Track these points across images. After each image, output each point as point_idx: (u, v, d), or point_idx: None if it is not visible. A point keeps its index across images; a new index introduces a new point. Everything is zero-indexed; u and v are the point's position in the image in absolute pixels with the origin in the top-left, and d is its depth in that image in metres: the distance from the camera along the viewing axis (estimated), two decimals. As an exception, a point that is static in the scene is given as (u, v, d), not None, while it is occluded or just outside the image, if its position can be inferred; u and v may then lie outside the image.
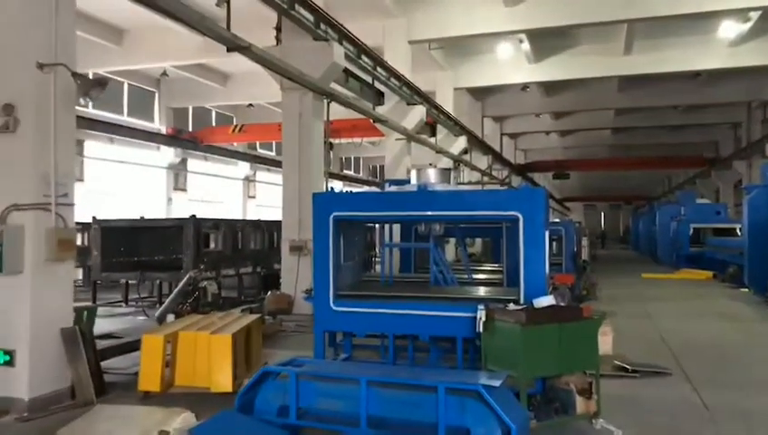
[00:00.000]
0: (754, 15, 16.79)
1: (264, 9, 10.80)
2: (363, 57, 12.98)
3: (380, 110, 15.26)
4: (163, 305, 10.34)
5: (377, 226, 9.71)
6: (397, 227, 9.18)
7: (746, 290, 15.13)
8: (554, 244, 14.59)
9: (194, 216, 11.87)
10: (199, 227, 11.82)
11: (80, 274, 16.71)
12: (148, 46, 18.04)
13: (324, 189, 11.20)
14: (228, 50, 8.72)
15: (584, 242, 20.48)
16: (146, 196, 23.48)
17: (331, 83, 12.02)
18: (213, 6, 8.65)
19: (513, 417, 4.17)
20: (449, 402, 4.29)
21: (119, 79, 22.26)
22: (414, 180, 6.67)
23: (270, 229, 14.82)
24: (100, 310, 12.45)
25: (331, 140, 22.83)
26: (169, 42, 17.49)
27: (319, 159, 11.64)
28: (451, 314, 5.89)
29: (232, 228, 13.37)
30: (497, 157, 27.62)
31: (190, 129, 26.14)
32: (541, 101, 26.61)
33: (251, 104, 26.76)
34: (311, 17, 10.59)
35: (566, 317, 5.27)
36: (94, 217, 12.47)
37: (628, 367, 7.23)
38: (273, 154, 31.06)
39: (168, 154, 24.15)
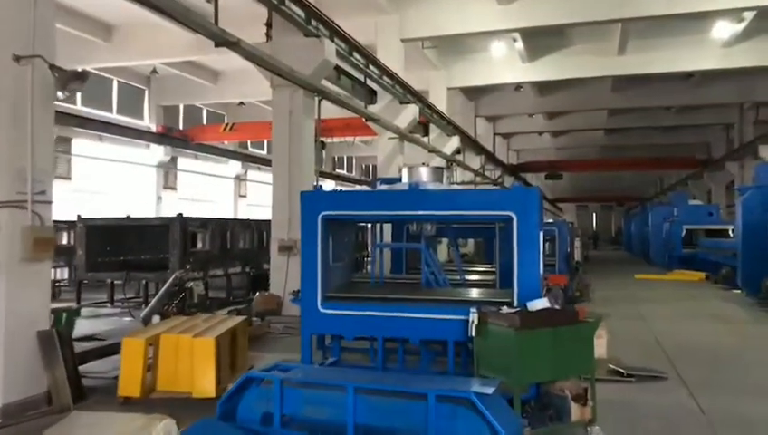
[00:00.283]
0: (748, 16, 16.70)
1: (257, 7, 10.64)
2: (355, 54, 12.79)
3: (373, 108, 15.07)
4: (148, 306, 10.12)
5: (369, 225, 9.51)
6: (388, 227, 9.00)
7: (739, 291, 15.06)
8: (547, 244, 14.46)
9: (180, 214, 11.65)
10: (186, 226, 11.58)
11: (66, 273, 16.50)
12: (138, 43, 17.79)
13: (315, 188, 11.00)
14: (216, 45, 8.51)
15: (577, 243, 20.38)
16: (135, 194, 23.21)
17: (323, 81, 11.84)
18: (205, 4, 8.48)
19: (506, 425, 3.98)
20: (440, 410, 4.09)
21: (108, 76, 21.99)
22: (405, 179, 6.48)
23: (260, 229, 14.60)
24: (85, 311, 12.26)
25: (324, 138, 22.69)
26: (159, 38, 17.25)
27: (309, 158, 11.45)
28: (442, 316, 5.71)
29: (220, 227, 13.14)
30: (490, 157, 27.49)
31: (181, 127, 25.86)
32: (534, 101, 26.49)
33: (242, 102, 26.52)
34: (301, 13, 10.40)
35: (561, 321, 5.11)
36: (79, 216, 12.21)
37: (623, 371, 7.07)
38: (264, 153, 30.81)
39: (158, 152, 23.87)
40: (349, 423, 4.26)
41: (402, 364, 6.79)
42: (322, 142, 22.86)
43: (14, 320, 5.58)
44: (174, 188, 25.47)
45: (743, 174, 26.40)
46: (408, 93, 15.70)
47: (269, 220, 12.10)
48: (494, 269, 7.93)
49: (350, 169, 40.93)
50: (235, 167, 29.14)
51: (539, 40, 19.33)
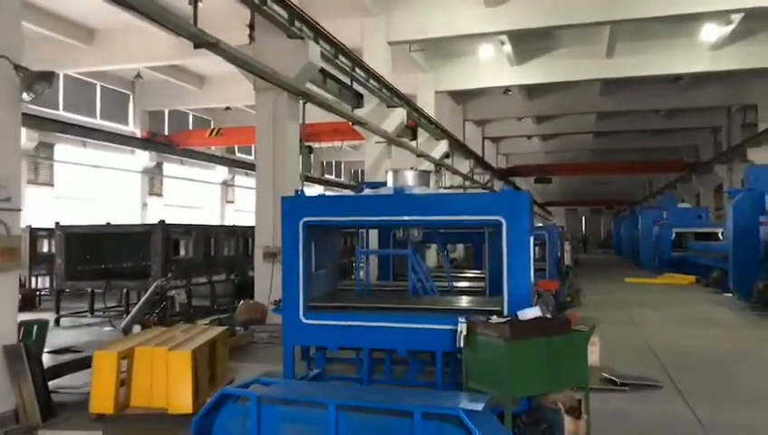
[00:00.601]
0: (736, 18, 16.68)
1: (243, 10, 10.42)
2: (341, 57, 12.56)
3: (359, 112, 14.85)
4: (129, 316, 9.80)
5: (360, 231, 9.26)
6: (375, 233, 8.76)
7: (730, 295, 14.94)
8: (537, 249, 14.28)
9: (162, 221, 11.33)
10: (168, 233, 11.27)
11: (47, 282, 16.11)
12: (120, 47, 17.50)
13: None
14: (196, 46, 8.26)
15: (567, 247, 20.23)
16: (121, 201, 22.83)
17: (309, 84, 11.60)
18: (190, 7, 8.23)
19: (497, 443, 3.76)
20: (426, 428, 3.86)
21: (91, 81, 21.64)
22: (390, 183, 6.24)
23: (245, 235, 14.29)
24: (65, 321, 11.94)
25: (311, 143, 22.51)
26: (142, 42, 16.98)
27: (294, 162, 11.18)
28: (429, 326, 5.47)
29: (204, 234, 12.83)
30: (479, 161, 27.35)
31: (166, 132, 25.51)
32: (522, 104, 26.41)
33: (228, 107, 26.20)
34: (284, 14, 10.16)
35: (553, 330, 4.88)
36: (57, 223, 11.87)
37: (616, 380, 6.85)
38: (251, 158, 30.44)
39: (143, 158, 23.54)
40: (329, 443, 4.02)
41: (389, 375, 6.54)
42: (309, 147, 22.67)
43: (-23, 334, 5.28)
44: (159, 195, 25.12)
45: (731, 177, 26.41)
46: (395, 97, 15.49)
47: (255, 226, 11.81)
48: (484, 275, 7.71)
49: (338, 175, 40.66)
50: (222, 172, 28.82)
51: (527, 43, 19.23)
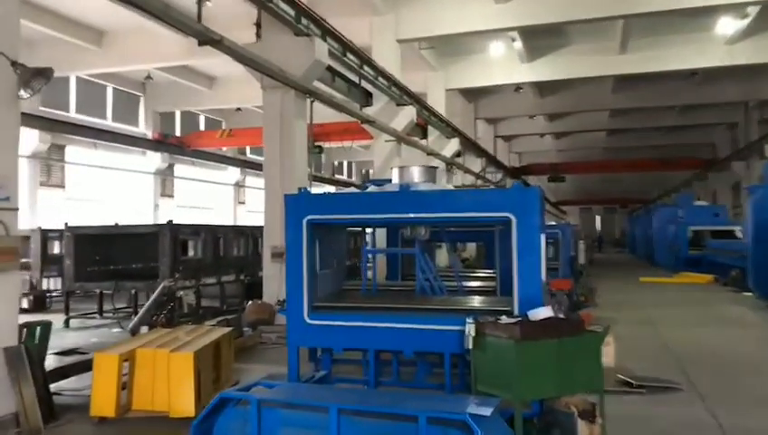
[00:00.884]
0: (753, 11, 16.31)
1: (251, 9, 10.32)
2: (349, 55, 12.42)
3: (368, 111, 14.69)
4: (137, 317, 9.74)
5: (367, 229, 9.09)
6: (383, 232, 8.59)
7: (750, 294, 14.59)
8: (551, 248, 14.06)
9: (170, 221, 11.26)
10: (176, 234, 11.19)
11: (59, 283, 16.12)
12: (130, 48, 17.47)
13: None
14: (200, 43, 8.15)
15: (581, 246, 19.94)
16: (132, 202, 22.86)
17: (317, 83, 11.46)
18: (195, 6, 8.13)
19: (506, 449, 3.58)
20: (431, 433, 3.69)
21: (102, 82, 21.68)
22: (396, 180, 6.07)
23: (255, 235, 14.21)
24: (74, 322, 11.90)
25: (321, 143, 22.38)
26: (151, 43, 16.94)
27: (302, 162, 11.05)
28: (437, 327, 5.29)
29: (213, 235, 12.75)
30: (491, 159, 27.11)
31: (178, 133, 25.51)
32: (534, 102, 26.11)
33: (239, 108, 26.16)
34: (291, 11, 10.03)
35: (565, 331, 4.68)
36: (66, 224, 11.84)
37: (632, 382, 6.63)
38: (262, 159, 30.42)
39: (155, 159, 23.56)
40: (331, 448, 3.86)
41: (397, 377, 6.37)
42: (320, 147, 22.55)
43: (-25, 336, 5.19)
44: (171, 196, 25.15)
45: (749, 174, 25.93)
46: (404, 95, 15.33)
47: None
48: (494, 275, 7.51)
49: (350, 175, 40.55)
50: (233, 173, 28.81)
51: (538, 39, 18.96)
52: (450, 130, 19.92)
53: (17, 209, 5.54)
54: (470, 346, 4.79)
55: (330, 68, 12.16)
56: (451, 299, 6.33)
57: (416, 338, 5.38)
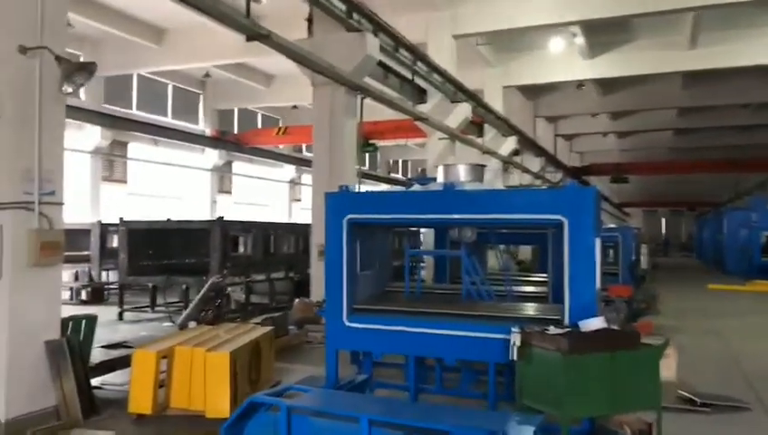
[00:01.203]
0: (838, 0, 15.13)
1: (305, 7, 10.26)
2: (402, 51, 12.18)
3: (422, 107, 14.39)
4: (185, 313, 9.82)
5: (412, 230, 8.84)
6: (431, 233, 8.32)
7: (831, 306, 13.57)
8: (611, 252, 13.45)
9: (221, 217, 11.33)
10: (226, 230, 11.25)
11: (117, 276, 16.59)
12: (189, 46, 17.77)
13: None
14: (248, 39, 8.07)
15: (644, 250, 19.08)
16: (191, 198, 23.38)
17: (369, 80, 11.27)
18: (255, 5, 8.09)
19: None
20: (466, 452, 3.43)
21: (163, 80, 22.22)
22: (441, 178, 5.79)
23: (306, 233, 14.16)
24: (127, 315, 12.16)
25: (375, 141, 22.26)
26: (209, 41, 17.14)
27: (351, 159, 10.89)
28: (480, 334, 5.00)
29: (263, 231, 12.78)
30: (550, 159, 26.32)
31: (236, 130, 25.95)
32: (597, 100, 25.17)
33: (295, 106, 26.35)
34: (342, 6, 9.88)
35: (619, 344, 4.32)
36: (121, 219, 12.09)
37: (696, 399, 6.13)
38: (318, 157, 30.58)
39: (213, 156, 24.02)
40: (360, 462, 3.64)
41: (440, 384, 6.12)
42: (374, 145, 22.39)
43: (18, 329, 5.23)
44: (229, 192, 25.62)
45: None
46: (459, 91, 14.95)
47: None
48: (547, 280, 7.13)
49: (405, 173, 40.34)
50: (289, 171, 29.09)
51: (601, 34, 18.19)
52: (507, 127, 19.39)
53: (62, 204, 5.58)
54: (515, 357, 4.48)
55: (383, 65, 11.95)
56: (498, 305, 6.01)
57: (457, 345, 5.10)
